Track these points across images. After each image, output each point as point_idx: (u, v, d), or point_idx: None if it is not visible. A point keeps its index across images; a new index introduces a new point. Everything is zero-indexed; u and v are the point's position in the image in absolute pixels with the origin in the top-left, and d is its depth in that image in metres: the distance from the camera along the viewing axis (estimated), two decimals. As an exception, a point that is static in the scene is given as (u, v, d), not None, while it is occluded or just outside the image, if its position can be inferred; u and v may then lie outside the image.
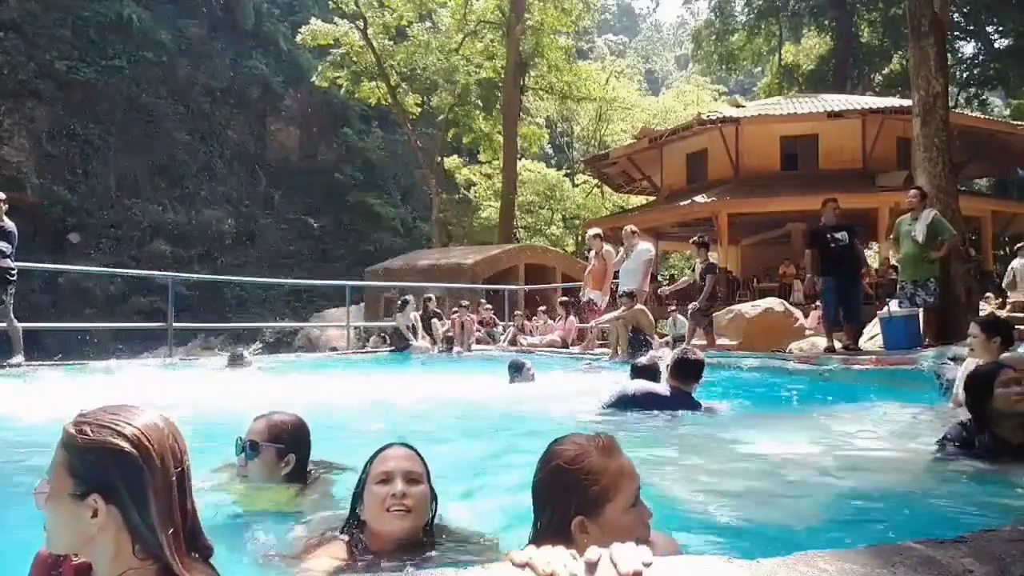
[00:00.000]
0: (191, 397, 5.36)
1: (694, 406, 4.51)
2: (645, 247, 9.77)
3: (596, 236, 10.38)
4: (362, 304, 18.73)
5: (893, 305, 8.06)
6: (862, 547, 1.19)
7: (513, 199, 27.04)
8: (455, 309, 12.66)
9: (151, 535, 1.20)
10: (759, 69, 40.17)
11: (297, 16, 40.13)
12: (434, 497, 1.86)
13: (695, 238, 9.94)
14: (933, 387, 5.16)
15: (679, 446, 3.88)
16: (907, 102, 12.12)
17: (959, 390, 3.94)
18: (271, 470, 2.37)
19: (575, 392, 5.80)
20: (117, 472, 1.19)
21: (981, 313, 8.41)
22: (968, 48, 31.42)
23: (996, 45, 30.11)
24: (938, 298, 7.84)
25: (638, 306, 8.75)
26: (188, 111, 38.18)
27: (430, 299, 12.43)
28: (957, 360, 4.99)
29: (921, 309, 7.80)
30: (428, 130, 34.61)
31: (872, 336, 8.83)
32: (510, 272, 18.26)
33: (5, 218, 7.26)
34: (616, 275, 9.85)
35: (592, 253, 10.48)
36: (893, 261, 8.60)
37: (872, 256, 19.22)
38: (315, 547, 1.82)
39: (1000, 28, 29.28)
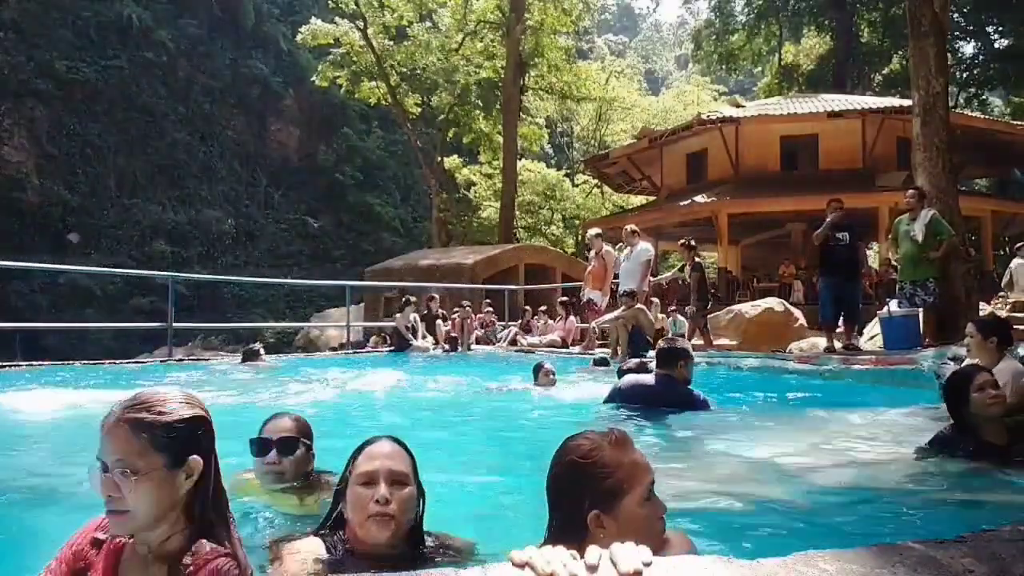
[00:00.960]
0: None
1: (680, 392, 4.51)
2: (644, 247, 9.77)
3: (596, 236, 10.38)
4: (362, 304, 18.73)
5: (893, 305, 8.06)
6: (862, 547, 1.19)
7: (513, 199, 27.04)
8: (456, 309, 12.66)
9: (212, 494, 1.38)
10: (759, 69, 40.14)
11: (297, 16, 40.15)
12: (421, 494, 1.76)
13: (683, 240, 10.09)
14: (933, 387, 5.15)
15: (679, 447, 3.89)
16: (907, 102, 12.12)
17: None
18: (300, 466, 2.41)
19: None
20: (202, 434, 1.39)
21: (982, 313, 8.42)
22: (968, 48, 31.45)
23: (996, 45, 30.12)
24: (937, 298, 7.83)
25: (638, 306, 8.76)
26: (188, 111, 38.21)
27: (433, 299, 12.43)
28: (957, 360, 4.98)
29: (921, 309, 7.80)
30: (428, 130, 34.61)
31: (872, 336, 8.83)
32: (510, 272, 18.25)
33: None
34: (616, 275, 9.88)
35: (592, 253, 10.48)
36: (893, 261, 8.60)
37: (872, 256, 19.24)
38: (288, 545, 1.71)
39: (1000, 28, 29.28)
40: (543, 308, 13.27)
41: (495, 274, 17.74)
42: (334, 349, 16.28)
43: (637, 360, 5.69)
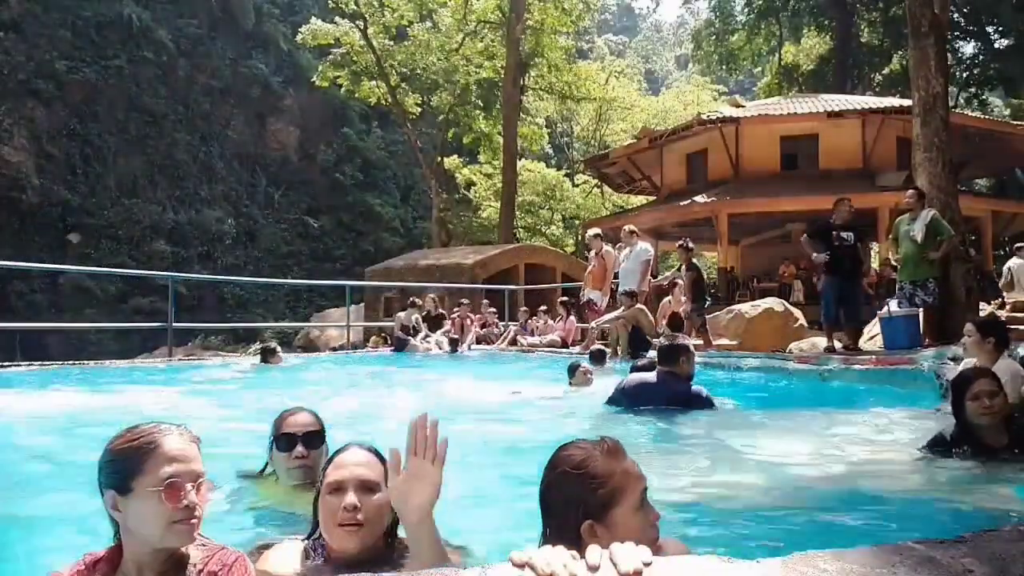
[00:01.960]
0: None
1: (684, 388, 4.53)
2: (644, 247, 9.78)
3: (596, 236, 10.39)
4: (362, 304, 18.72)
5: (893, 305, 8.07)
6: (862, 547, 1.19)
7: (513, 199, 27.02)
8: (456, 309, 12.66)
9: None
10: (759, 69, 40.13)
11: (297, 16, 40.14)
12: None
13: (680, 242, 10.14)
14: (933, 387, 5.16)
15: (679, 447, 3.89)
16: (907, 102, 12.12)
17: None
18: (321, 461, 2.41)
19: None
20: None
21: (982, 314, 8.42)
22: (968, 48, 31.43)
23: (996, 45, 30.09)
24: (937, 298, 7.83)
25: (638, 306, 8.76)
26: (188, 111, 38.19)
27: (434, 299, 12.44)
28: (957, 360, 4.99)
29: (921, 309, 7.80)
30: (428, 130, 34.59)
31: (872, 336, 8.83)
32: (510, 272, 18.24)
33: None
34: (616, 275, 9.89)
35: (592, 253, 10.49)
36: (893, 261, 8.60)
37: (872, 256, 19.22)
38: (268, 551, 1.74)
39: (1000, 28, 29.26)
40: (543, 308, 13.27)
41: (495, 274, 17.73)
42: (334, 349, 16.27)
43: (648, 360, 5.64)
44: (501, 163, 28.21)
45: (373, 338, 14.84)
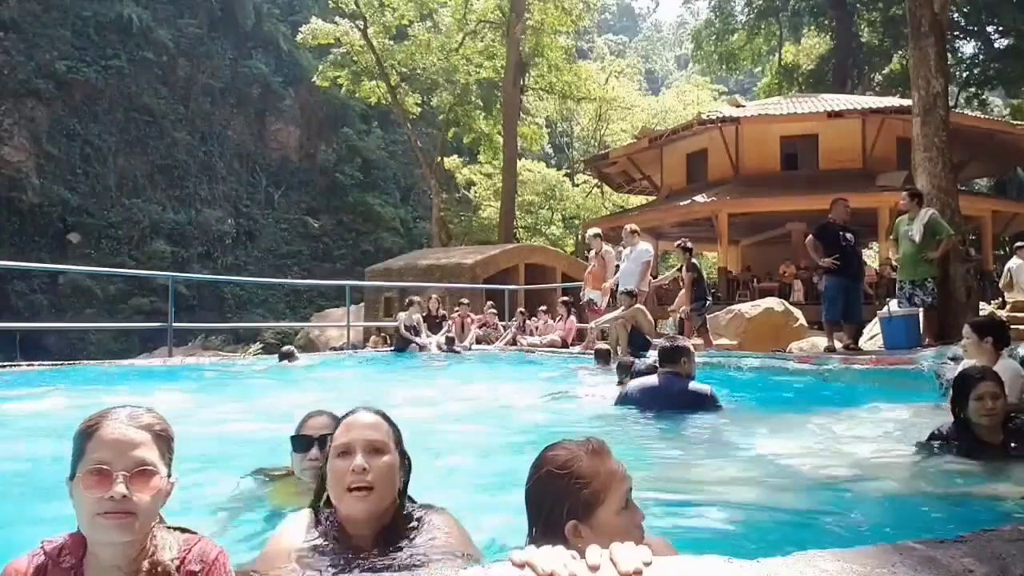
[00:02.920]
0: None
1: (688, 389, 4.53)
2: (644, 247, 9.78)
3: (596, 236, 10.39)
4: (362, 304, 18.73)
5: (893, 305, 8.07)
6: (862, 547, 1.19)
7: (513, 199, 27.04)
8: (456, 308, 12.65)
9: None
10: (759, 69, 40.13)
11: (297, 16, 40.15)
12: (405, 464, 1.71)
13: (679, 242, 10.16)
14: (933, 387, 5.16)
15: (679, 447, 3.89)
16: (907, 102, 12.12)
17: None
18: None
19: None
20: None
21: (982, 313, 8.41)
22: (968, 48, 31.43)
23: (996, 45, 30.09)
24: (936, 298, 7.84)
25: (637, 305, 8.76)
26: (188, 111, 38.20)
27: (435, 299, 12.43)
28: (957, 360, 4.98)
29: (921, 309, 7.80)
30: (428, 130, 34.62)
31: (872, 336, 8.83)
32: (510, 272, 18.25)
33: None
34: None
35: (592, 253, 10.49)
36: (893, 261, 8.60)
37: (872, 256, 19.25)
38: (280, 526, 1.71)
39: (1000, 28, 29.25)
40: (543, 308, 13.26)
41: (495, 274, 17.73)
42: (334, 349, 16.27)
43: (647, 364, 5.63)
44: (501, 163, 28.23)
45: (373, 338, 14.83)
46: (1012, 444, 3.08)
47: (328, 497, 1.68)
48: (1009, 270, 11.54)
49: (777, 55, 35.31)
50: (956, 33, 27.90)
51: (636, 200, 29.29)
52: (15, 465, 3.33)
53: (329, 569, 1.53)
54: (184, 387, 6.50)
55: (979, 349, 4.19)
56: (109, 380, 6.79)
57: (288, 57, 42.05)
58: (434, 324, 11.63)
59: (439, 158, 31.46)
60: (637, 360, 6.06)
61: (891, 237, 8.46)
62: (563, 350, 10.92)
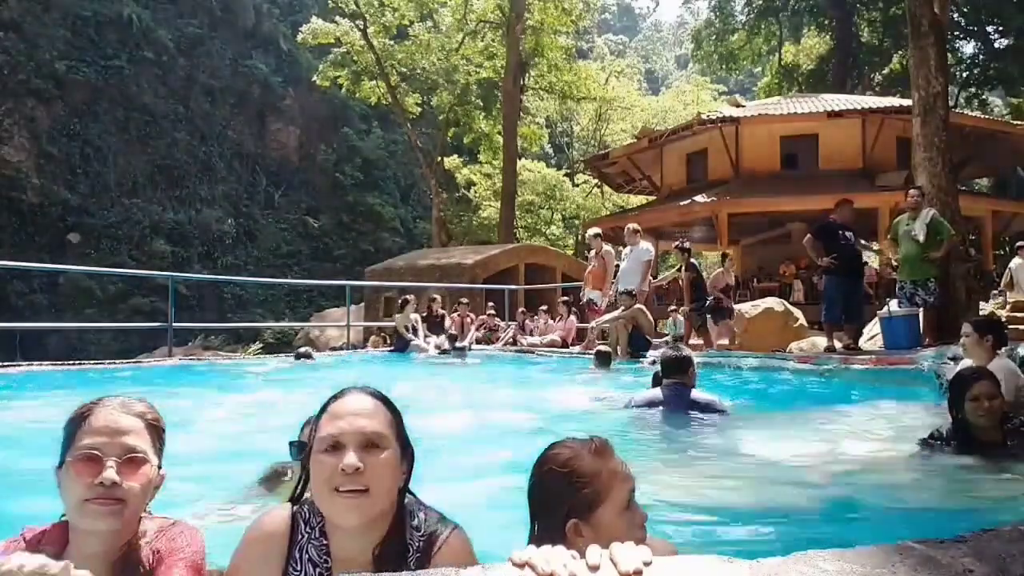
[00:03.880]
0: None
1: (690, 398, 4.50)
2: (645, 247, 9.78)
3: (596, 236, 10.40)
4: (362, 304, 18.73)
5: (893, 305, 8.07)
6: (862, 547, 1.19)
7: (513, 199, 27.04)
8: (456, 309, 12.66)
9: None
10: (759, 69, 40.15)
11: (297, 16, 40.18)
12: (408, 456, 1.41)
13: (677, 243, 10.18)
14: (933, 387, 5.16)
15: (679, 447, 3.89)
16: (907, 102, 12.11)
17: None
18: None
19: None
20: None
21: (982, 313, 8.42)
22: (968, 48, 31.40)
23: (996, 45, 30.08)
24: (938, 297, 7.84)
25: (637, 305, 8.76)
26: (188, 111, 38.19)
27: (435, 299, 12.42)
28: (957, 360, 4.99)
29: (921, 309, 7.80)
30: (428, 130, 34.60)
31: (872, 336, 8.83)
32: (510, 272, 18.25)
33: None
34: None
35: (592, 253, 10.49)
36: (893, 261, 8.60)
37: (872, 256, 19.21)
38: (253, 525, 1.41)
39: (1000, 28, 29.24)
40: (544, 308, 13.27)
41: (495, 274, 17.73)
42: (335, 349, 16.27)
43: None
44: (501, 163, 28.23)
45: (373, 338, 14.82)
46: (1010, 443, 3.09)
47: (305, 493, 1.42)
48: (1010, 270, 11.56)
49: (777, 55, 35.31)
50: (956, 33, 27.89)
51: (636, 200, 29.29)
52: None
53: None
54: (215, 386, 6.57)
55: (979, 348, 4.19)
56: (122, 381, 6.81)
57: (288, 57, 42.05)
58: (434, 324, 11.63)
59: (439, 158, 31.46)
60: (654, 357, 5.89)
61: (889, 237, 8.45)
62: (563, 350, 10.92)
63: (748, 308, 10.91)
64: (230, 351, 21.89)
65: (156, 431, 1.37)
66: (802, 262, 16.49)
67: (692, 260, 10.23)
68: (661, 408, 4.48)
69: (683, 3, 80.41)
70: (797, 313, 10.92)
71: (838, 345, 8.03)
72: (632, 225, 10.10)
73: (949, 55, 14.38)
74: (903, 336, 7.66)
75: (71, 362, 7.88)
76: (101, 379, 6.88)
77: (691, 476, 3.15)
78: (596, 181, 31.53)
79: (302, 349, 9.31)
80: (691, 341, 10.14)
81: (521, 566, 1.08)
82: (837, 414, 4.66)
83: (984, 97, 32.14)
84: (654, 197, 23.28)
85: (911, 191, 8.12)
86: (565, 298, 13.31)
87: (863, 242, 8.58)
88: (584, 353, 9.40)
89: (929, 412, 4.40)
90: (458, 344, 10.74)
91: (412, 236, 41.92)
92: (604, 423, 4.53)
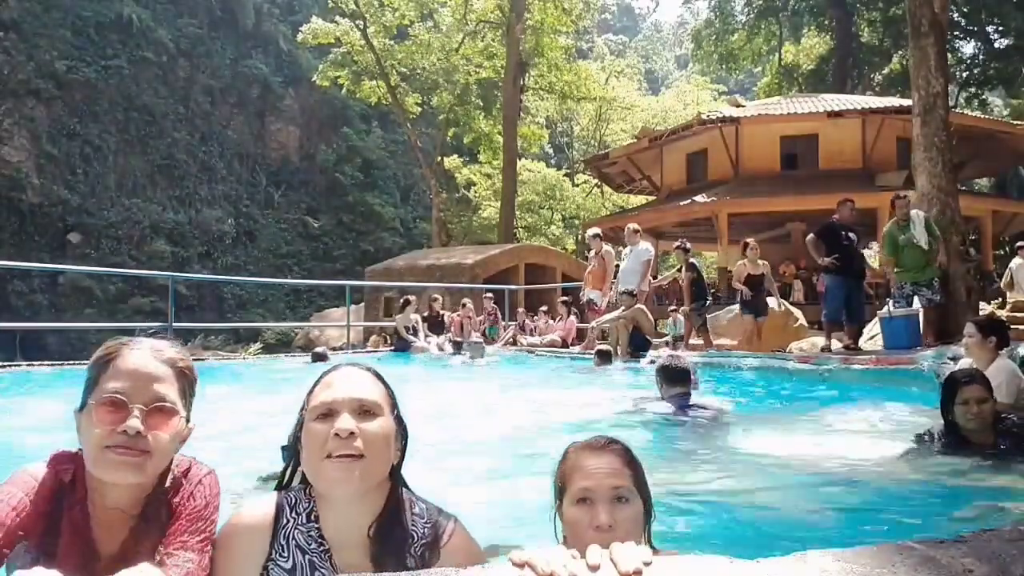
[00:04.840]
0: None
1: (696, 407, 4.50)
2: (645, 247, 9.79)
3: (596, 236, 10.40)
4: (362, 304, 18.73)
5: (891, 305, 8.06)
6: (862, 547, 1.19)
7: (513, 199, 27.05)
8: (457, 311, 12.65)
9: None
10: (759, 69, 40.15)
11: (297, 16, 40.18)
12: (401, 435, 1.36)
13: (677, 243, 10.18)
14: (933, 387, 5.16)
15: (679, 447, 3.89)
16: (907, 102, 12.12)
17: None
18: None
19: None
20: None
21: (982, 313, 8.41)
22: (968, 48, 31.43)
23: (996, 45, 30.10)
24: (943, 295, 7.87)
25: (638, 305, 8.77)
26: (188, 111, 38.21)
27: (436, 299, 12.41)
28: (957, 360, 4.99)
29: (921, 309, 7.80)
30: (428, 130, 34.62)
31: (872, 336, 8.83)
32: (510, 272, 18.25)
33: None
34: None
35: (592, 253, 10.50)
36: (888, 270, 8.46)
37: (871, 256, 19.19)
38: (236, 515, 1.33)
39: (1000, 28, 29.26)
40: (544, 308, 13.26)
41: (495, 274, 17.73)
42: (335, 349, 16.28)
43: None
44: (501, 163, 28.23)
45: (373, 338, 14.83)
46: (1002, 445, 3.09)
47: (294, 475, 1.36)
48: (1010, 270, 11.56)
49: (777, 55, 35.32)
50: (956, 33, 27.90)
51: (636, 200, 29.30)
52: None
53: None
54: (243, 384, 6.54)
55: (981, 348, 4.19)
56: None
57: (288, 57, 42.06)
58: (435, 324, 11.62)
59: (439, 158, 31.47)
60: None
61: (883, 250, 8.33)
62: (563, 350, 10.93)
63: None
64: (230, 351, 21.87)
65: (187, 380, 1.27)
66: (802, 262, 16.50)
67: (692, 260, 10.24)
68: (663, 413, 4.48)
69: (683, 3, 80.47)
70: (797, 313, 10.92)
71: (836, 345, 8.03)
72: (632, 225, 10.11)
73: (949, 55, 14.39)
74: (903, 336, 7.66)
75: (71, 362, 7.88)
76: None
77: (691, 476, 3.16)
78: (596, 181, 31.54)
79: (318, 350, 9.31)
80: (691, 341, 10.15)
81: (521, 566, 1.08)
82: (837, 414, 4.66)
83: (984, 97, 32.15)
84: (654, 197, 23.29)
85: (897, 202, 8.01)
86: (565, 298, 13.31)
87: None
88: (584, 353, 9.41)
89: (929, 413, 4.39)
90: (466, 344, 10.73)
91: (412, 236, 41.92)
92: (604, 425, 4.53)
